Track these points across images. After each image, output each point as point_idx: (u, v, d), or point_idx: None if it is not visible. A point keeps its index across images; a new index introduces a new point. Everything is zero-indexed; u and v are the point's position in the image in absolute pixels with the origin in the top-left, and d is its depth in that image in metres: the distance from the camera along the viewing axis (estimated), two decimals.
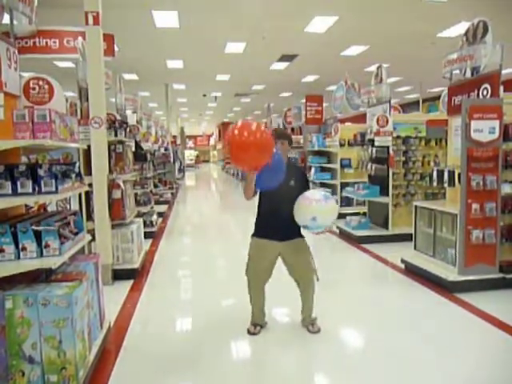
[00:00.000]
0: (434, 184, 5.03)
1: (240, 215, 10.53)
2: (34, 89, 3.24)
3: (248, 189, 3.14)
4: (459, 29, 8.51)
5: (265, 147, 2.79)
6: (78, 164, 3.06)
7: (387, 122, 6.47)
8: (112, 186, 4.77)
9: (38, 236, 2.49)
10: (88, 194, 4.81)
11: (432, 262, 4.84)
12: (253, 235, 3.51)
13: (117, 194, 4.76)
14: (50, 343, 2.40)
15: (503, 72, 4.41)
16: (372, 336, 3.49)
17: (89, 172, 4.68)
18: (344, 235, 7.19)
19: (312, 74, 14.38)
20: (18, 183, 2.45)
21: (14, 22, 3.03)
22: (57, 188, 2.52)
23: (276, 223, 3.33)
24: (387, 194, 6.69)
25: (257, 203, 3.45)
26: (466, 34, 4.73)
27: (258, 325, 3.55)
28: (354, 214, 7.67)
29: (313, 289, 3.55)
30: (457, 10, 7.87)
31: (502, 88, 4.41)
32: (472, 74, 4.63)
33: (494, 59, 4.39)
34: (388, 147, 6.57)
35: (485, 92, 4.40)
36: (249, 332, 3.51)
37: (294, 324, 3.67)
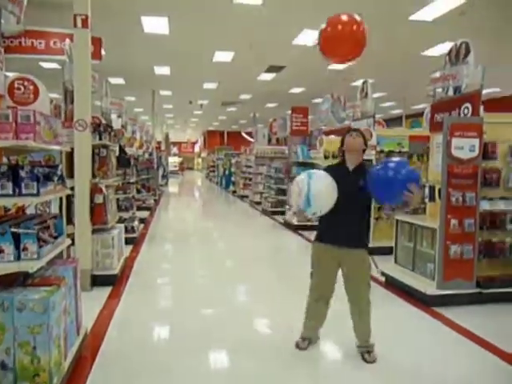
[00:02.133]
0: None
1: (222, 223, 10.51)
2: (18, 89, 3.20)
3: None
4: (443, 48, 8.73)
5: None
6: (60, 166, 3.02)
7: (371, 136, 6.57)
8: (94, 190, 4.71)
9: (16, 239, 2.44)
10: (69, 198, 4.73)
11: (411, 275, 4.90)
12: (314, 240, 3.32)
13: (99, 199, 4.70)
14: (24, 349, 2.35)
15: (484, 92, 4.54)
16: (350, 347, 3.50)
17: (71, 175, 4.61)
18: None
19: (299, 86, 14.54)
20: None
21: (2, 21, 3.00)
22: (38, 190, 2.48)
23: (341, 224, 3.08)
24: None
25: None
26: (449, 53, 4.86)
27: (307, 339, 3.38)
28: None
29: (367, 311, 3.23)
30: (441, 31, 8.10)
31: (482, 107, 4.54)
32: (454, 93, 4.75)
33: (476, 79, 4.52)
34: (371, 161, 6.65)
35: (466, 111, 4.51)
36: (297, 346, 3.35)
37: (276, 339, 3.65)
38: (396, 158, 3.13)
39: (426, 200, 4.85)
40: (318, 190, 2.83)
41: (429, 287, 4.47)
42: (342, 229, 3.09)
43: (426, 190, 4.78)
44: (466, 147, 4.34)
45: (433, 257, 4.54)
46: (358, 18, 2.83)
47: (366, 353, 3.23)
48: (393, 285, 5.02)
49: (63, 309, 2.67)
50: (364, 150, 3.18)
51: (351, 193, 3.01)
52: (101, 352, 3.25)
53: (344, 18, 2.88)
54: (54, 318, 2.46)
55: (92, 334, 3.52)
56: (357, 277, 3.18)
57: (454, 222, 4.37)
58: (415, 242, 4.97)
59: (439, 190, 4.49)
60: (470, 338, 3.61)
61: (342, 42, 2.75)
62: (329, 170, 3.14)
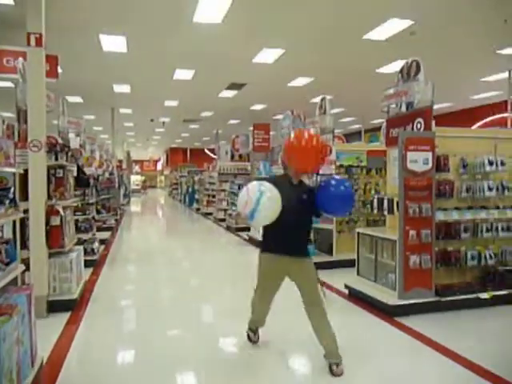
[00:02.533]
0: (375, 211, 5.23)
1: (186, 241, 10.37)
2: None
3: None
4: (396, 66, 9.12)
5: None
6: (12, 189, 2.90)
7: (330, 151, 6.71)
8: (50, 212, 4.54)
9: None
10: (24, 221, 4.54)
11: (374, 286, 4.99)
12: (262, 250, 3.43)
13: (55, 221, 4.54)
14: None
15: (435, 107, 4.76)
16: (314, 359, 3.50)
17: (25, 197, 4.44)
18: None
19: (260, 102, 14.73)
20: None
21: None
22: None
23: (286, 236, 3.24)
24: (332, 221, 6.88)
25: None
26: (401, 71, 5.07)
27: (256, 331, 3.71)
28: None
29: (325, 314, 3.35)
30: (393, 50, 8.46)
31: (433, 122, 4.74)
32: (407, 109, 4.94)
33: (426, 95, 4.73)
34: (331, 175, 6.79)
35: (418, 125, 4.70)
36: (250, 340, 3.73)
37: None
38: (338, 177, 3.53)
39: (386, 212, 4.98)
40: (264, 210, 2.95)
41: (390, 297, 4.56)
42: (289, 239, 3.26)
43: (385, 203, 4.91)
44: (420, 160, 4.52)
45: (394, 268, 4.65)
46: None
47: (333, 364, 3.24)
48: (356, 297, 5.09)
49: (15, 339, 2.53)
50: None
51: (295, 205, 3.19)
52: (58, 383, 3.09)
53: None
54: (5, 350, 2.32)
55: (49, 364, 3.35)
56: (310, 283, 3.37)
57: (412, 232, 4.50)
58: (376, 253, 5.08)
59: (397, 203, 4.63)
60: (432, 346, 3.70)
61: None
62: (275, 180, 3.28)
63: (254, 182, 3.09)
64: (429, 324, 4.22)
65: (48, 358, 3.43)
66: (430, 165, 4.53)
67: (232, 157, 15.06)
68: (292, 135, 3.33)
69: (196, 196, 18.92)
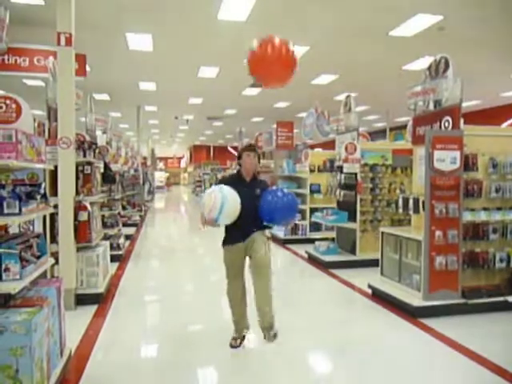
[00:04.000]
0: (400, 211, 5.16)
1: (208, 238, 10.45)
2: (0, 108, 3.17)
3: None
4: (423, 63, 8.95)
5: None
6: (43, 185, 2.99)
7: (355, 149, 6.65)
8: (78, 207, 4.66)
9: None
10: (53, 216, 4.68)
11: (398, 287, 4.93)
12: (223, 244, 3.66)
13: (83, 216, 4.65)
14: (6, 372, 2.29)
15: (464, 105, 4.65)
16: (337, 360, 3.49)
17: (55, 193, 4.57)
18: (312, 260, 7.24)
19: (283, 100, 14.69)
20: None
21: None
22: (20, 209, 2.45)
23: (243, 228, 3.55)
24: (355, 220, 6.82)
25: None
26: (428, 68, 4.97)
27: (239, 338, 3.68)
28: (322, 239, 7.75)
29: (269, 280, 3.60)
30: (420, 46, 8.29)
31: (462, 120, 4.64)
32: (435, 107, 4.85)
33: (455, 93, 4.63)
34: (356, 174, 6.74)
35: (446, 124, 4.61)
36: (231, 345, 3.64)
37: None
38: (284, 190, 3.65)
39: (411, 212, 4.91)
40: (227, 214, 3.29)
41: (415, 298, 4.50)
42: (247, 228, 3.57)
43: (411, 202, 4.84)
44: (447, 159, 4.43)
45: (418, 268, 4.58)
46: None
47: (266, 329, 3.64)
48: (379, 297, 5.04)
49: (46, 330, 2.62)
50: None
51: (250, 201, 3.47)
52: (85, 375, 3.17)
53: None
54: (37, 340, 2.41)
55: (76, 355, 3.45)
56: (258, 246, 3.57)
57: (438, 233, 4.42)
58: (401, 253, 5.01)
59: (423, 202, 4.55)
60: (458, 349, 3.63)
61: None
62: (229, 181, 3.62)
63: (216, 188, 3.38)
64: (454, 326, 4.14)
65: (76, 350, 3.53)
66: (458, 164, 4.44)
67: None
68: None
69: None
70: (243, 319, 3.73)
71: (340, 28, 7.56)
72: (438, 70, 4.84)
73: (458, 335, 3.89)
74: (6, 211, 2.42)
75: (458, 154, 4.44)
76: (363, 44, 8.45)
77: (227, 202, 3.26)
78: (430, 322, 4.24)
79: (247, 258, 3.65)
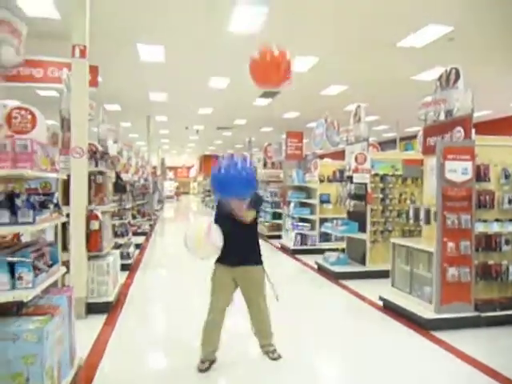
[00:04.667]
0: (411, 221, 5.13)
1: None
2: (16, 118, 3.23)
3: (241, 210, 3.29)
4: (433, 73, 8.93)
5: None
6: (56, 194, 3.03)
7: (365, 159, 6.64)
8: (90, 216, 4.70)
9: (11, 267, 2.42)
10: (65, 224, 4.72)
11: (409, 299, 4.88)
12: (216, 261, 3.55)
13: (95, 225, 4.69)
14: (17, 380, 2.30)
15: (475, 115, 4.63)
16: (348, 373, 3.45)
17: (67, 202, 4.61)
18: (322, 271, 7.19)
19: (293, 110, 14.74)
20: None
21: (1, 53, 3.06)
22: (34, 218, 2.48)
23: (230, 248, 3.35)
24: (365, 231, 6.78)
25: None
26: (439, 79, 4.97)
27: (208, 360, 3.46)
28: (332, 249, 7.71)
29: (265, 310, 3.59)
30: (430, 56, 8.29)
31: (473, 131, 4.62)
32: (446, 117, 4.84)
33: (466, 103, 4.61)
34: (366, 184, 6.71)
35: (458, 134, 4.59)
36: (199, 369, 3.40)
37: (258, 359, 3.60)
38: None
39: (422, 223, 4.88)
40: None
41: (426, 311, 4.44)
42: (236, 249, 3.39)
43: (422, 213, 4.81)
44: (459, 170, 4.40)
45: (430, 280, 4.53)
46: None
47: (270, 352, 3.55)
48: (390, 308, 4.98)
49: (57, 338, 2.63)
50: None
51: (239, 221, 3.35)
52: (94, 383, 3.18)
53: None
54: (48, 348, 2.42)
55: (86, 364, 3.45)
56: (255, 290, 3.54)
57: (450, 244, 4.38)
58: (412, 265, 4.96)
59: (434, 213, 4.52)
60: (471, 363, 3.57)
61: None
62: (219, 204, 3.54)
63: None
64: (467, 340, 4.08)
65: (86, 358, 3.53)
66: (470, 175, 4.40)
67: (264, 164, 15.10)
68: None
69: None
70: (217, 342, 3.52)
71: (349, 39, 7.60)
72: (448, 80, 4.83)
73: (471, 349, 3.83)
74: (20, 220, 2.45)
75: (469, 164, 4.41)
76: (372, 55, 8.47)
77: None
78: (442, 334, 4.17)
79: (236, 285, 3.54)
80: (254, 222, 3.53)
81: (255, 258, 3.55)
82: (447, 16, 6.55)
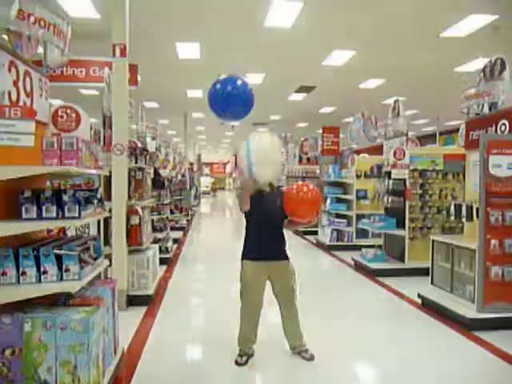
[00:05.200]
0: (452, 218, 4.98)
1: None
2: (62, 117, 3.37)
3: (246, 198, 3.30)
4: (477, 64, 8.60)
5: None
6: (100, 190, 3.14)
7: (404, 154, 6.49)
8: (130, 212, 4.85)
9: (59, 260, 2.54)
10: (106, 219, 4.89)
11: (450, 297, 4.75)
12: (245, 258, 3.49)
13: (135, 220, 4.83)
14: (66, 368, 2.42)
15: None
16: (387, 374, 3.41)
17: (108, 197, 4.77)
18: (359, 267, 7.11)
19: (329, 105, 14.57)
20: (44, 208, 2.53)
21: (47, 54, 3.19)
22: (80, 213, 2.59)
23: (267, 243, 3.41)
24: (403, 227, 6.63)
25: (245, 225, 3.56)
26: (483, 70, 4.79)
27: (246, 354, 3.50)
28: (369, 246, 7.59)
29: (296, 312, 3.58)
30: (474, 47, 7.98)
31: None
32: (490, 110, 4.66)
33: None
34: (405, 180, 6.56)
35: (503, 127, 4.41)
36: (237, 363, 3.43)
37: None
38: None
39: (464, 219, 4.73)
40: (257, 158, 3.10)
41: (468, 310, 4.31)
42: (272, 244, 3.44)
43: (464, 209, 4.66)
44: (504, 165, 4.23)
45: (472, 278, 4.39)
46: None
47: (304, 352, 3.52)
48: (430, 307, 4.87)
49: (102, 329, 2.74)
50: None
51: (274, 211, 3.36)
52: (136, 373, 3.29)
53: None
54: (94, 338, 2.53)
55: (128, 353, 3.58)
56: (287, 285, 3.50)
57: (493, 242, 4.22)
58: (452, 262, 4.82)
59: (477, 210, 4.37)
60: None
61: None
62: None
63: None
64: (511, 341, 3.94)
65: (128, 348, 3.67)
66: None
67: (300, 160, 15.03)
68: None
69: None
70: (255, 337, 3.54)
71: (388, 30, 7.42)
72: (493, 71, 4.65)
73: None
74: (67, 215, 2.57)
75: None
76: (412, 46, 8.25)
77: (251, 143, 3.17)
78: (485, 335, 4.04)
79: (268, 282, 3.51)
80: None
81: (286, 253, 3.55)
82: (492, 4, 6.28)
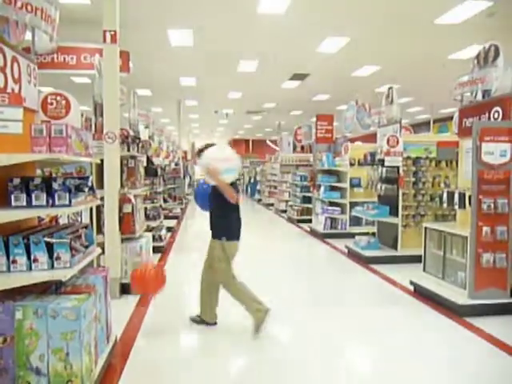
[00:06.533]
0: (444, 206, 5.00)
1: (248, 231, 10.51)
2: (51, 104, 3.32)
3: (228, 189, 3.75)
4: (471, 51, 8.56)
5: None
6: (91, 178, 3.11)
7: (397, 142, 6.49)
8: (123, 200, 4.82)
9: (49, 248, 2.52)
10: (99, 207, 4.86)
11: (441, 284, 4.79)
12: (228, 239, 3.88)
13: (127, 208, 4.81)
14: (58, 355, 2.42)
15: None
16: (379, 360, 3.44)
17: (100, 186, 4.74)
18: (352, 255, 7.15)
19: (323, 93, 14.51)
20: (33, 196, 2.50)
21: (36, 40, 3.13)
22: (70, 201, 2.57)
23: (238, 225, 3.99)
24: (397, 215, 6.66)
25: (216, 207, 3.96)
26: (477, 57, 4.77)
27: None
28: (362, 233, 7.63)
29: (205, 287, 4.10)
30: (468, 33, 7.95)
31: None
32: (483, 97, 4.65)
33: (506, 82, 4.41)
34: (398, 167, 6.57)
35: (496, 115, 4.41)
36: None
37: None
38: None
39: (456, 207, 4.75)
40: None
41: (460, 297, 4.36)
42: (239, 224, 4.00)
43: (456, 197, 4.68)
44: (496, 152, 4.24)
45: (464, 265, 4.43)
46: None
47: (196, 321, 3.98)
48: (422, 294, 4.91)
49: (94, 316, 2.74)
50: None
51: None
52: (130, 360, 3.30)
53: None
54: (85, 326, 2.52)
55: (121, 341, 3.59)
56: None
57: (485, 229, 4.25)
58: (445, 250, 4.86)
59: (469, 197, 4.39)
60: (506, 350, 3.49)
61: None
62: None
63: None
64: (502, 326, 3.98)
65: (121, 336, 3.67)
66: (509, 157, 4.24)
67: (294, 148, 15.01)
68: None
69: (258, 187, 19.11)
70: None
71: (382, 17, 7.36)
72: (487, 58, 4.63)
73: (506, 335, 3.73)
74: (57, 203, 2.54)
75: (508, 146, 4.24)
76: (407, 33, 8.19)
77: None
78: (475, 321, 4.09)
79: None
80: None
81: None
82: None
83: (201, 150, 3.95)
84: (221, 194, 3.75)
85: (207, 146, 3.94)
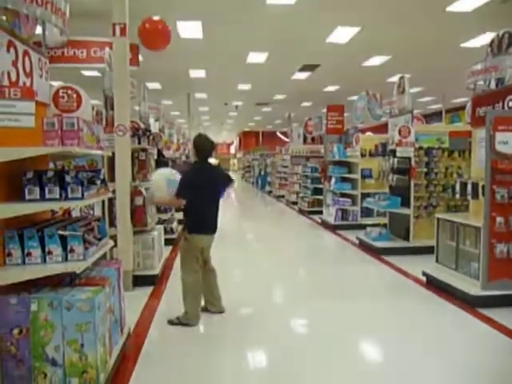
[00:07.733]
0: (457, 196, 4.95)
1: (259, 223, 10.55)
2: (62, 97, 3.35)
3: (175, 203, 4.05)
4: (484, 39, 8.40)
5: None
6: (102, 171, 3.13)
7: (409, 132, 6.42)
8: (134, 192, 4.85)
9: (63, 241, 2.55)
10: (111, 200, 4.90)
11: (454, 275, 4.75)
12: (190, 231, 3.87)
13: (139, 201, 4.84)
14: (73, 346, 2.45)
15: None
16: (390, 351, 3.44)
17: (112, 178, 4.77)
18: (364, 246, 7.12)
19: (333, 84, 14.37)
20: (46, 189, 2.53)
21: (46, 33, 3.15)
22: (83, 194, 2.59)
23: (212, 218, 3.97)
24: (408, 206, 6.61)
25: (187, 202, 3.87)
26: (490, 44, 4.68)
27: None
28: (374, 224, 7.60)
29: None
30: (481, 21, 7.79)
31: None
32: (497, 85, 4.57)
33: None
34: (410, 158, 6.51)
35: (510, 103, 4.33)
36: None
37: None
38: None
39: (469, 197, 4.69)
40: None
41: (473, 287, 4.32)
42: (215, 218, 4.01)
43: (469, 187, 4.62)
44: (510, 142, 4.17)
45: (477, 256, 4.39)
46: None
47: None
48: (434, 285, 4.88)
49: (108, 308, 2.78)
50: None
51: (213, 190, 3.94)
52: (143, 351, 3.35)
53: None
54: (100, 317, 2.56)
55: (135, 332, 3.64)
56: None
57: (499, 219, 4.20)
58: (458, 240, 4.81)
59: (482, 187, 4.33)
60: None
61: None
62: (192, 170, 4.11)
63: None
64: None
65: (134, 328, 3.72)
66: None
67: (305, 139, 14.93)
68: None
69: (268, 179, 19.10)
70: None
71: (393, 6, 7.24)
72: (501, 46, 4.54)
73: None
74: (70, 196, 2.57)
75: None
76: (418, 21, 8.05)
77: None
78: (489, 312, 4.06)
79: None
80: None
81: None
82: None
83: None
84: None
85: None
